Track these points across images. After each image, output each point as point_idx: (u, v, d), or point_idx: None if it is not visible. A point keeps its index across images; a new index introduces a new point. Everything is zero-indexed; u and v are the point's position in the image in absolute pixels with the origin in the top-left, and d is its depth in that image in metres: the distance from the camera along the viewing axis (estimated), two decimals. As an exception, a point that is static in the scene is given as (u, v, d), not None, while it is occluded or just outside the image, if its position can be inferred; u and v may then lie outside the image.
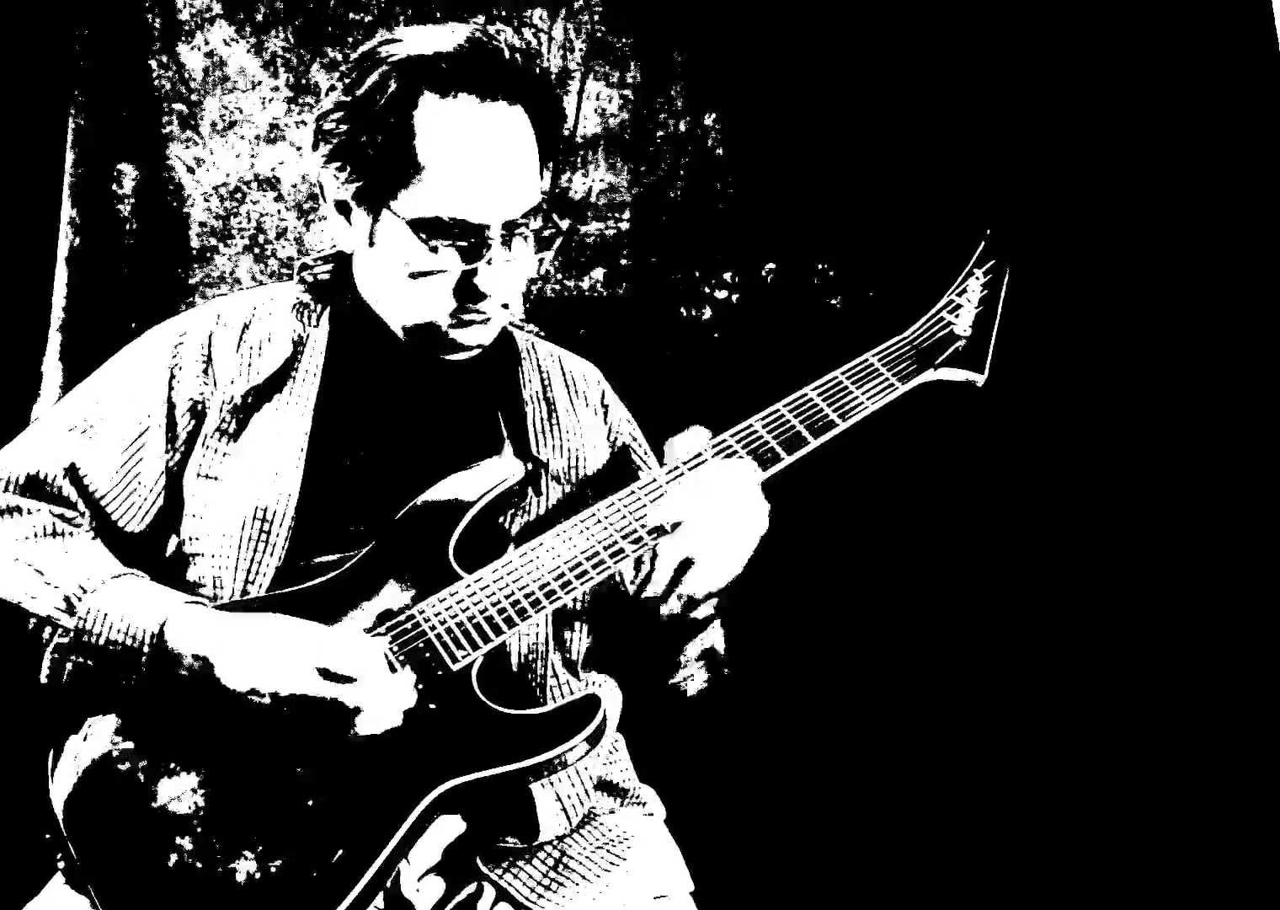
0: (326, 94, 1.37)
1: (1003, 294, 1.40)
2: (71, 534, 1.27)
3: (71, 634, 1.19)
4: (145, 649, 1.17)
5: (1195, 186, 2.02)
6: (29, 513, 1.27)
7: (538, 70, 1.36)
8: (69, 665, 1.19)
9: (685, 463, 1.29)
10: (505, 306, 1.38)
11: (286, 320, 1.42)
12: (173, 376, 1.35)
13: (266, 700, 1.15)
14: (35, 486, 1.30)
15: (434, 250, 1.31)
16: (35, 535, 1.25)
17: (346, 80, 1.33)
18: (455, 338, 1.37)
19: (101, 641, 1.18)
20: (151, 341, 1.40)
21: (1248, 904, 1.89)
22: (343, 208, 1.37)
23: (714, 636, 1.36)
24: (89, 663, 1.19)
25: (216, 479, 1.32)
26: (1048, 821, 1.96)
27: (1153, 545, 1.99)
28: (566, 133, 2.09)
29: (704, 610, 1.27)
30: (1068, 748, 1.97)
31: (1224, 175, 2.02)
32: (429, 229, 1.30)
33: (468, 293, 1.33)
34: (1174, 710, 1.97)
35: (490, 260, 1.31)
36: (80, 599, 1.20)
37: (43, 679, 1.20)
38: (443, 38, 1.31)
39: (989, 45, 2.05)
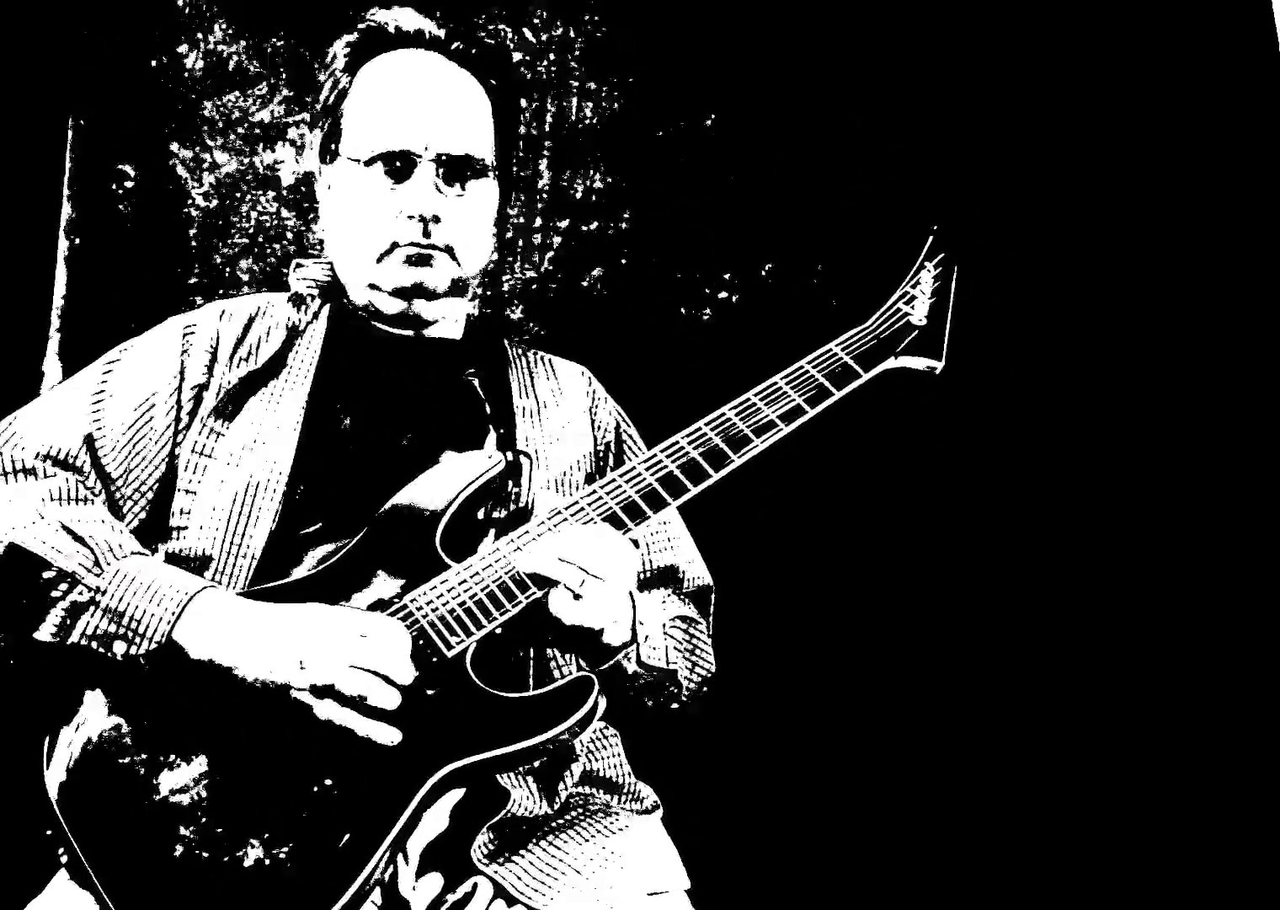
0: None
1: (953, 285, 1.46)
2: (92, 501, 1.29)
3: (92, 592, 1.20)
4: (164, 622, 1.18)
5: (1141, 169, 2.05)
6: (49, 476, 1.29)
7: (492, 48, 1.47)
8: (80, 624, 1.19)
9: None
10: (451, 253, 1.41)
11: (286, 312, 1.48)
12: (183, 366, 1.40)
13: (306, 674, 1.16)
14: (53, 456, 1.32)
15: (368, 182, 1.38)
16: (59, 498, 1.27)
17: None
18: (398, 279, 1.41)
19: (121, 605, 1.19)
20: (165, 331, 1.45)
21: (1248, 904, 1.89)
22: (319, 176, 1.47)
23: (649, 653, 1.35)
24: (102, 625, 1.19)
25: (211, 456, 1.35)
26: (1043, 812, 1.96)
27: (1115, 525, 2.01)
28: (565, 131, 2.10)
29: (613, 638, 1.28)
30: (1054, 738, 1.97)
31: (1166, 160, 2.05)
32: (364, 161, 1.38)
33: (403, 223, 1.38)
34: (1145, 690, 1.98)
35: (420, 183, 1.37)
36: (109, 561, 1.21)
37: (47, 636, 1.20)
38: (402, 20, 1.43)
39: (980, 45, 2.06)
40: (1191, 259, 2.03)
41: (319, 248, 1.83)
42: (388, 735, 1.17)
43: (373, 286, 1.44)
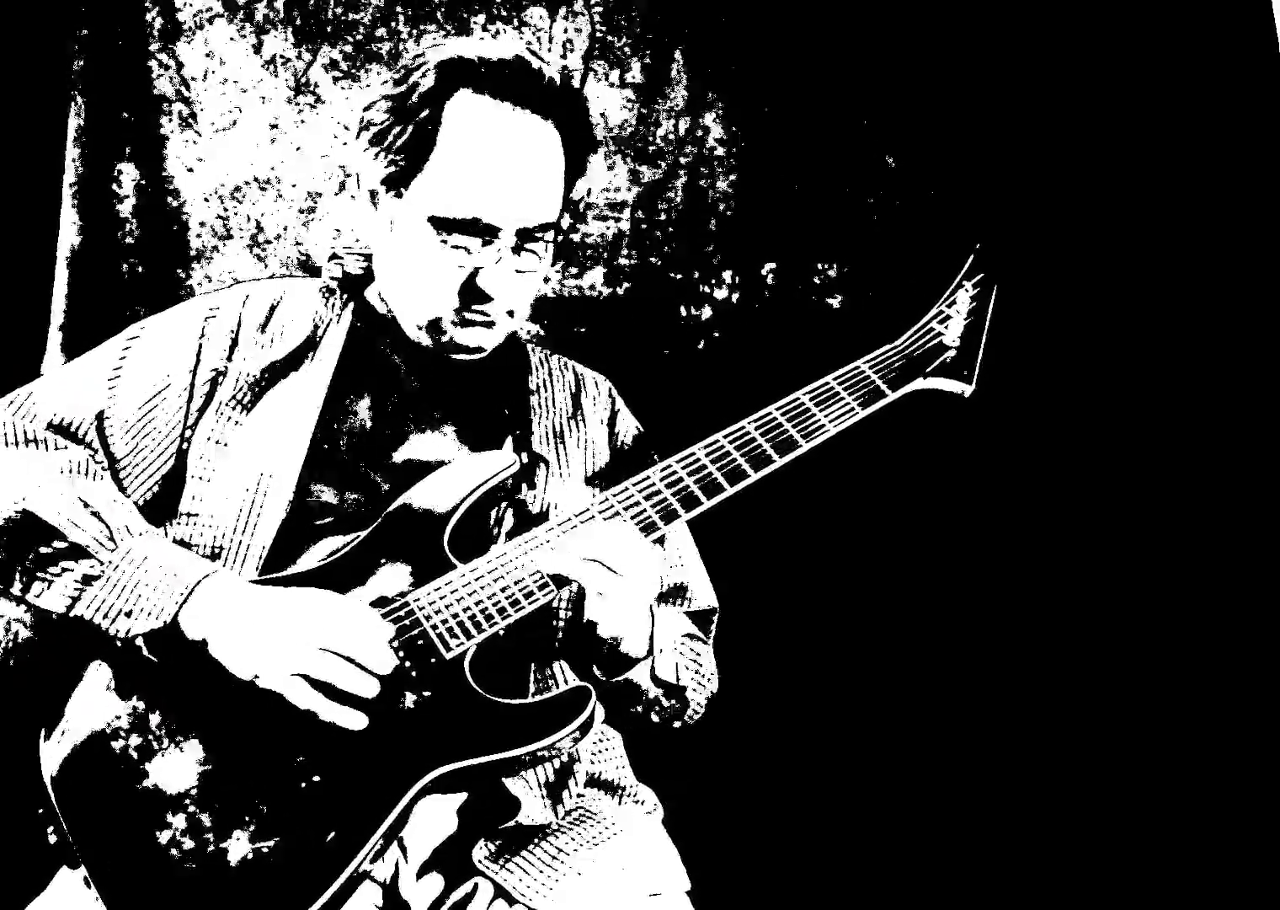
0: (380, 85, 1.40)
1: (991, 307, 1.42)
2: (103, 477, 1.30)
3: (104, 565, 1.21)
4: (173, 601, 1.19)
5: (1186, 192, 2.03)
6: (62, 448, 1.30)
7: (576, 96, 1.41)
8: (88, 596, 1.20)
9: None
10: (511, 314, 1.40)
11: (311, 303, 1.46)
12: (200, 350, 1.40)
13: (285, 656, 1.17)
14: (64, 428, 1.33)
15: (444, 243, 1.34)
16: (73, 470, 1.28)
17: (396, 76, 1.37)
18: (456, 337, 1.40)
19: (133, 581, 1.20)
20: (187, 313, 1.44)
21: (1248, 904, 1.89)
22: (374, 196, 1.40)
23: (663, 668, 1.35)
24: (110, 599, 1.20)
25: (226, 445, 1.35)
26: (1043, 812, 1.96)
27: (1139, 555, 2.00)
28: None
29: (632, 648, 1.29)
30: (1061, 747, 1.98)
31: (1217, 182, 2.02)
32: (443, 222, 1.33)
33: (471, 291, 1.35)
34: (1160, 712, 1.98)
35: (498, 261, 1.34)
36: (123, 537, 1.23)
37: (53, 605, 1.21)
38: (489, 47, 1.36)
39: (989, 48, 2.06)
40: (1234, 285, 2.00)
41: (319, 250, 1.82)
42: (353, 720, 1.17)
43: (423, 329, 1.41)
